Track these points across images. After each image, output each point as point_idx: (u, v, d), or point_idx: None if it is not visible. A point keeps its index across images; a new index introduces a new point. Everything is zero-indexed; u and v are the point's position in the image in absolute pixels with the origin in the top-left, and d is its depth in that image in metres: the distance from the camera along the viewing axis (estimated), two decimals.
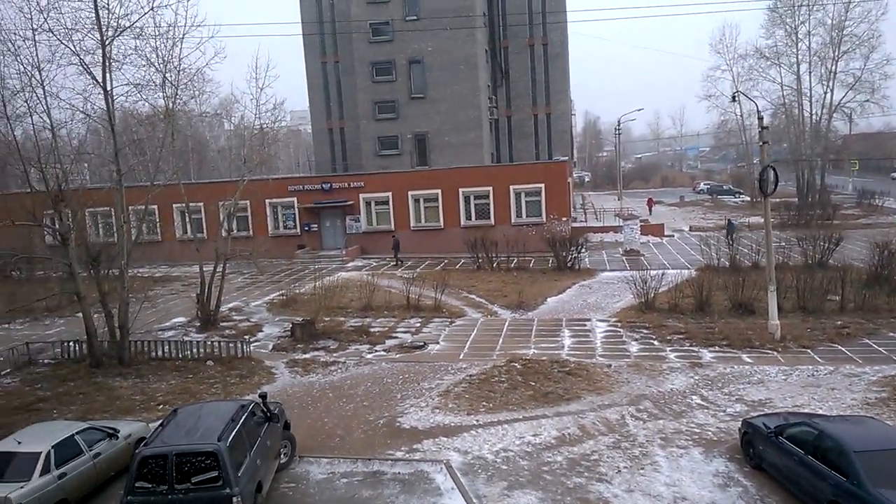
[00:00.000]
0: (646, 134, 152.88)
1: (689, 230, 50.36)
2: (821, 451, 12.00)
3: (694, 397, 17.67)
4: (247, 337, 24.17)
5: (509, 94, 58.18)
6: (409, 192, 43.37)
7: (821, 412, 15.63)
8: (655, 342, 22.58)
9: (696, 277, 29.51)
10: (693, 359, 20.66)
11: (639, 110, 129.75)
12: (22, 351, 22.35)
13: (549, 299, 29.17)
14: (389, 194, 43.57)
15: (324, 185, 44.25)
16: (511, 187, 42.49)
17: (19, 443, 12.82)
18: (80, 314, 21.92)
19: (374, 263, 39.84)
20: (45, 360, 22.34)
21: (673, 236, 47.23)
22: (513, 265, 35.69)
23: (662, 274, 28.17)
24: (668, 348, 21.90)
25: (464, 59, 50.43)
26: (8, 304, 25.54)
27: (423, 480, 13.86)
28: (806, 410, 15.88)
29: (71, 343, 22.29)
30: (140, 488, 11.17)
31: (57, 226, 21.74)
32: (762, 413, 15.38)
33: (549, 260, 36.46)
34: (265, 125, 29.86)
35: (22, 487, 11.87)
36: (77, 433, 13.54)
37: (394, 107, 51.78)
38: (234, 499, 11.12)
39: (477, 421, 16.61)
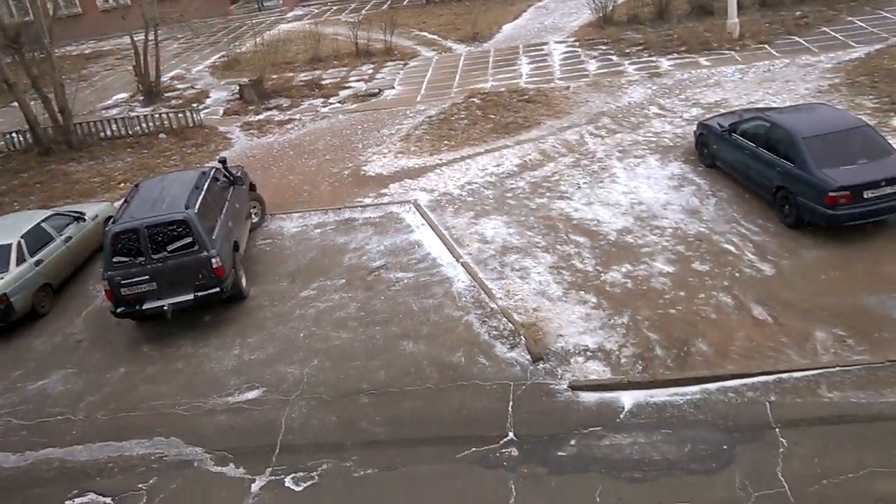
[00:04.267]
0: None
1: None
2: (772, 142, 12.37)
3: (651, 107, 17.76)
4: (195, 105, 23.33)
5: None
6: None
7: (774, 105, 15.87)
8: (614, 57, 22.15)
9: None
10: (651, 69, 20.43)
11: None
12: None
13: (504, 27, 28.01)
14: None
15: None
16: None
17: None
18: (16, 104, 20.81)
19: (316, 10, 37.39)
20: None
21: None
22: None
23: None
24: (627, 62, 21.54)
25: None
26: None
27: (393, 221, 14.31)
28: (760, 106, 16.08)
29: (14, 134, 21.38)
30: (118, 262, 11.45)
31: None
32: (717, 114, 15.58)
33: None
34: None
35: (2, 278, 12.13)
36: (43, 221, 13.54)
37: None
38: (213, 259, 11.47)
39: (440, 160, 16.76)
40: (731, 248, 11.63)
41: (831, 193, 11.02)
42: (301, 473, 8.69)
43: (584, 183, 14.53)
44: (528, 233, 13.02)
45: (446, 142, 17.72)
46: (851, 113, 14.06)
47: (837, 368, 8.87)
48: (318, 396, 9.91)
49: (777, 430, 8.18)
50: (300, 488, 8.50)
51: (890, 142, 12.20)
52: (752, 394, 8.76)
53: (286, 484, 8.59)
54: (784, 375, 8.92)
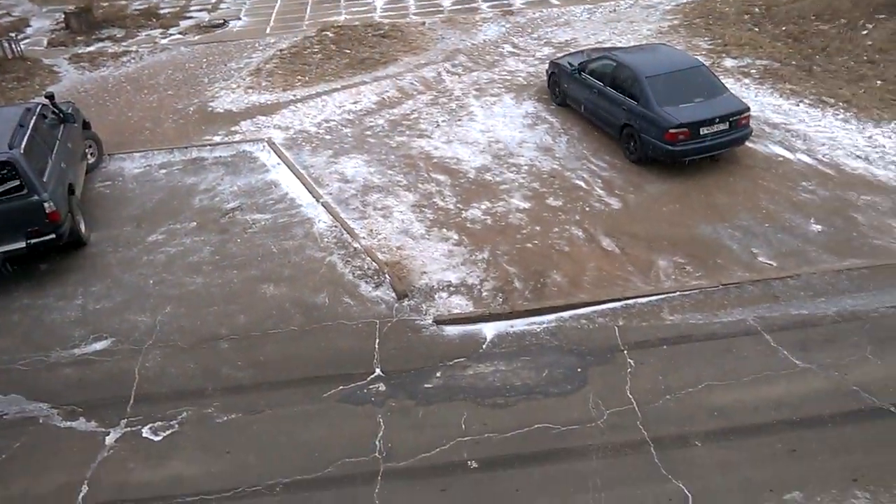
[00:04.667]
0: None
1: None
2: (618, 81, 12.92)
3: (506, 46, 17.98)
4: (13, 34, 20.85)
5: None
6: None
7: (620, 45, 16.55)
8: None
9: None
10: (504, 7, 20.63)
11: None
12: None
13: None
14: None
15: None
16: None
17: None
18: None
19: None
20: None
21: None
22: None
23: None
24: None
25: None
26: None
27: (246, 160, 13.69)
28: (607, 45, 16.71)
29: None
30: None
31: None
32: (567, 53, 16.02)
33: None
34: None
35: None
36: None
37: None
38: (46, 204, 10.46)
39: (294, 96, 16.13)
40: (582, 183, 12.16)
41: (671, 130, 11.73)
42: (160, 423, 8.31)
43: (443, 121, 14.55)
44: (390, 171, 12.91)
45: (300, 77, 17.05)
46: (689, 53, 14.93)
47: (678, 293, 9.61)
48: (174, 344, 9.44)
49: (625, 351, 8.80)
50: (159, 438, 8.14)
51: (722, 81, 13.12)
52: (603, 320, 9.33)
53: (144, 434, 8.18)
54: (630, 301, 9.55)
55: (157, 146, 14.37)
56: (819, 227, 10.66)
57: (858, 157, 12.26)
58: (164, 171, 13.54)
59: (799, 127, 13.28)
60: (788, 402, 7.94)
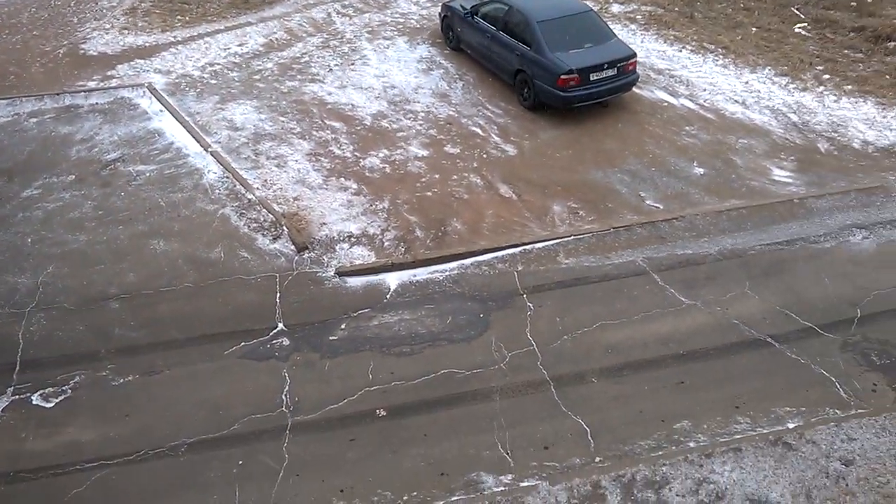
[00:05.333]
0: None
1: None
2: (510, 26, 12.93)
3: None
4: None
5: None
6: None
7: None
8: None
9: None
10: None
11: None
12: None
13: None
14: None
15: None
16: None
17: None
18: None
19: None
20: None
21: None
22: None
23: None
24: None
25: None
26: None
27: (126, 107, 12.85)
28: None
29: None
30: None
31: None
32: None
33: None
34: None
35: None
36: None
37: None
38: None
39: (174, 37, 15.17)
40: (479, 130, 12.22)
41: (563, 76, 11.92)
42: (50, 389, 7.90)
43: (336, 65, 14.15)
44: (282, 118, 12.49)
45: (179, 17, 16.04)
46: None
47: (572, 237, 9.95)
48: (60, 306, 8.91)
49: (524, 296, 9.08)
50: (51, 404, 7.75)
51: (610, 27, 13.40)
52: (502, 265, 9.55)
53: (34, 402, 7.77)
54: (528, 247, 9.81)
55: (26, 93, 13.22)
56: (701, 170, 11.26)
57: (736, 101, 12.95)
58: (34, 119, 12.52)
59: (682, 73, 13.83)
60: (676, 337, 8.48)
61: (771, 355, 8.24)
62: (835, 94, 12.99)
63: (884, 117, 12.34)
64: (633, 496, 6.81)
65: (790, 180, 11.04)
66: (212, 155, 11.50)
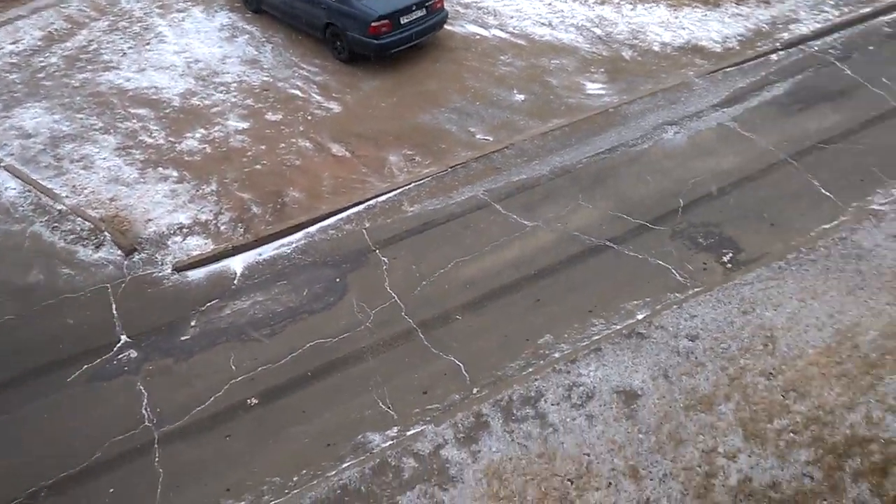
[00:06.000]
0: None
1: None
2: None
3: None
4: None
5: None
6: None
7: None
8: None
9: None
10: None
11: None
12: None
13: None
14: None
15: None
16: None
17: None
18: None
19: None
20: None
21: None
22: None
23: None
24: None
25: None
26: None
27: None
28: None
29: None
30: None
31: None
32: None
33: None
34: None
35: None
36: None
37: None
38: None
39: None
40: (298, 92, 11.78)
41: (373, 24, 11.66)
42: None
43: (130, 48, 13.04)
44: (79, 116, 11.41)
45: None
46: None
47: (413, 185, 9.92)
48: None
49: (377, 251, 8.99)
50: None
51: None
52: (349, 226, 9.38)
53: None
54: (371, 202, 9.68)
55: None
56: (522, 97, 11.52)
57: (543, 24, 13.28)
58: None
59: (489, 3, 13.93)
60: (525, 259, 8.75)
61: (612, 257, 8.72)
62: (630, 3, 13.63)
63: (676, 18, 13.14)
64: (513, 416, 7.05)
65: (603, 91, 11.55)
66: (5, 169, 10.34)
